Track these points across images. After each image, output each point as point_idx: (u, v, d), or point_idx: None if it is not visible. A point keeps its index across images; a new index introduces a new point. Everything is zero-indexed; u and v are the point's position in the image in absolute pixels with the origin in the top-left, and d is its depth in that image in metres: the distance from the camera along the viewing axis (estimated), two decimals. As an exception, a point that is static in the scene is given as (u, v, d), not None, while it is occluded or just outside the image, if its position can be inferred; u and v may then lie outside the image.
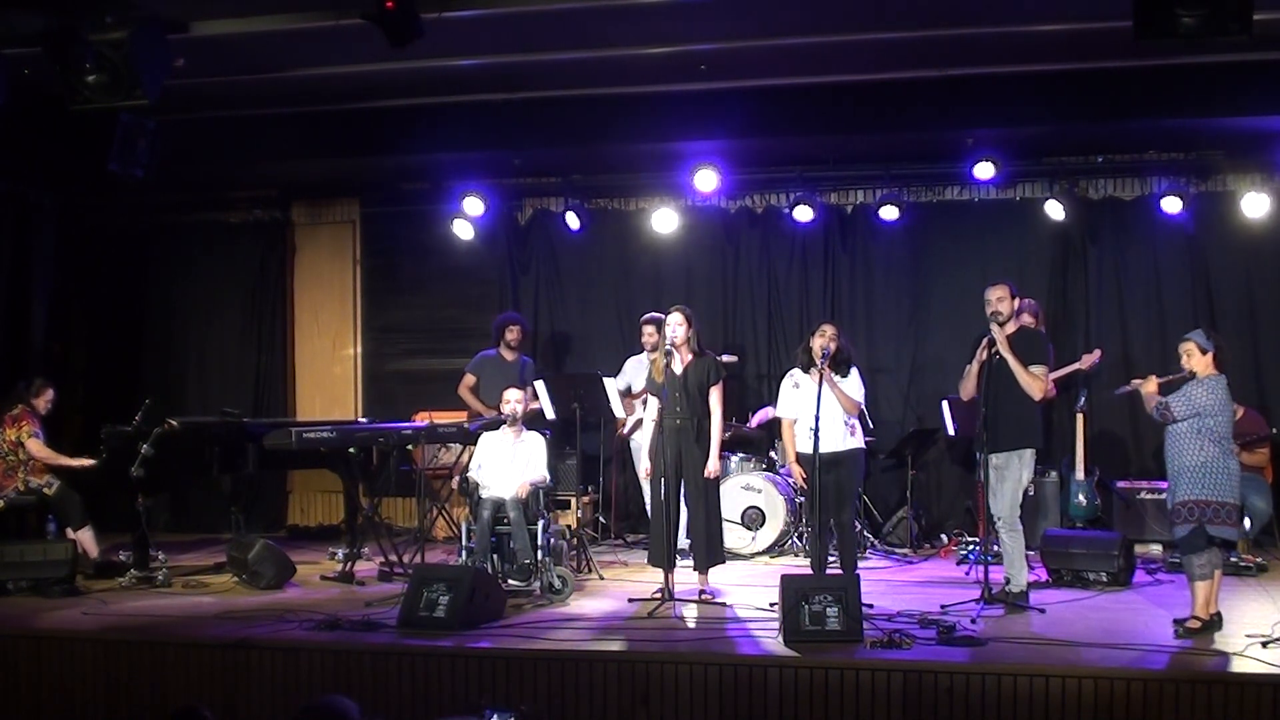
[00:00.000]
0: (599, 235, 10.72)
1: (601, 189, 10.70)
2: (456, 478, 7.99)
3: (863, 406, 7.36)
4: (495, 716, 3.98)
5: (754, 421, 9.74)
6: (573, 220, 10.37)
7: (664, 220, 10.30)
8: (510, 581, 7.35)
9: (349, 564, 8.22)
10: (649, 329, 8.91)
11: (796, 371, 7.46)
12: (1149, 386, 6.48)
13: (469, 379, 9.62)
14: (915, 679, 5.56)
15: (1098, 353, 9.13)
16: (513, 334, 9.65)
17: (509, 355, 9.63)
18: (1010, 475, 7.03)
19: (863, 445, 7.43)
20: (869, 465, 8.38)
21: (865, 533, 9.22)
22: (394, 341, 11.35)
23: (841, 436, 7.23)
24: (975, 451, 7.13)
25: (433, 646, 6.09)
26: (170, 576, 8.04)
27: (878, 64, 8.62)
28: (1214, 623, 6.25)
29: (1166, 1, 6.09)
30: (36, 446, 8.25)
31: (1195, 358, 6.37)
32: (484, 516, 7.39)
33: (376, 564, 8.33)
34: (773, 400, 10.04)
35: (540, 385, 8.83)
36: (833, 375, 7.26)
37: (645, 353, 8.90)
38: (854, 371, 7.40)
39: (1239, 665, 5.63)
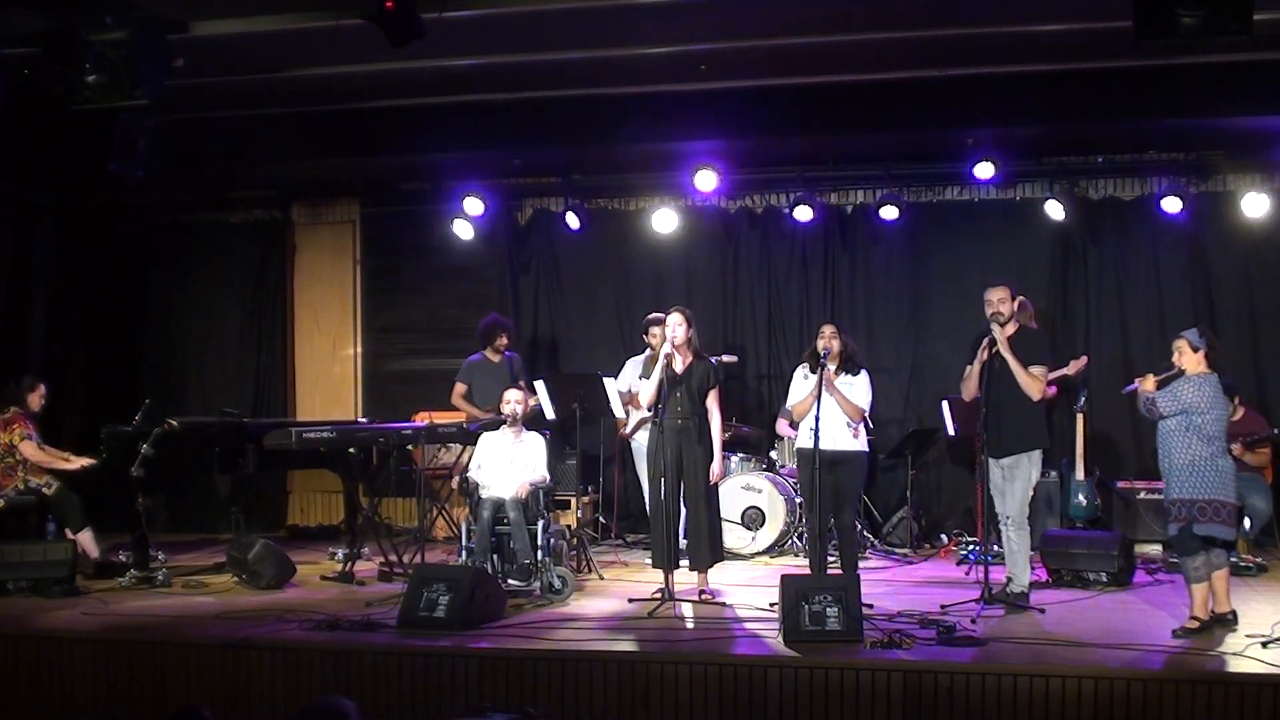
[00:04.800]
0: (599, 235, 10.72)
1: (601, 189, 10.70)
2: (456, 478, 7.99)
3: (863, 408, 7.33)
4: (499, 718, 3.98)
5: (782, 430, 9.58)
6: (573, 220, 10.37)
7: (664, 220, 10.30)
8: (510, 581, 7.35)
9: (349, 564, 8.22)
10: (656, 330, 8.90)
11: (805, 367, 7.45)
12: (1146, 384, 6.46)
13: (460, 388, 9.58)
14: (915, 679, 5.56)
15: (1084, 359, 9.05)
16: (503, 340, 9.61)
17: (495, 357, 9.61)
18: (1021, 475, 7.02)
19: (866, 448, 7.42)
20: (871, 466, 8.37)
21: (865, 533, 9.22)
22: (394, 341, 11.35)
23: (844, 437, 7.22)
24: (982, 455, 7.11)
25: (433, 646, 6.08)
26: (170, 576, 8.04)
27: (878, 64, 8.62)
28: (1227, 620, 6.29)
29: (1166, 1, 6.09)
30: (31, 450, 8.23)
31: (1186, 355, 6.36)
32: (484, 516, 7.39)
33: (376, 564, 8.33)
34: (776, 401, 10.13)
35: (540, 385, 8.82)
36: (836, 377, 7.25)
37: (647, 352, 8.89)
38: (864, 373, 7.36)
39: (1239, 665, 5.63)
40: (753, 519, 9.16)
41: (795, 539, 9.23)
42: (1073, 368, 8.89)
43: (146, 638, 6.44)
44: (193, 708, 3.55)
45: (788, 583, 6.32)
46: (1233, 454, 6.78)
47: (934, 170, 10.00)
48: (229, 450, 8.51)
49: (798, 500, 9.09)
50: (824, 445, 7.04)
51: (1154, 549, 8.80)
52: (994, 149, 9.36)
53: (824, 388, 7.12)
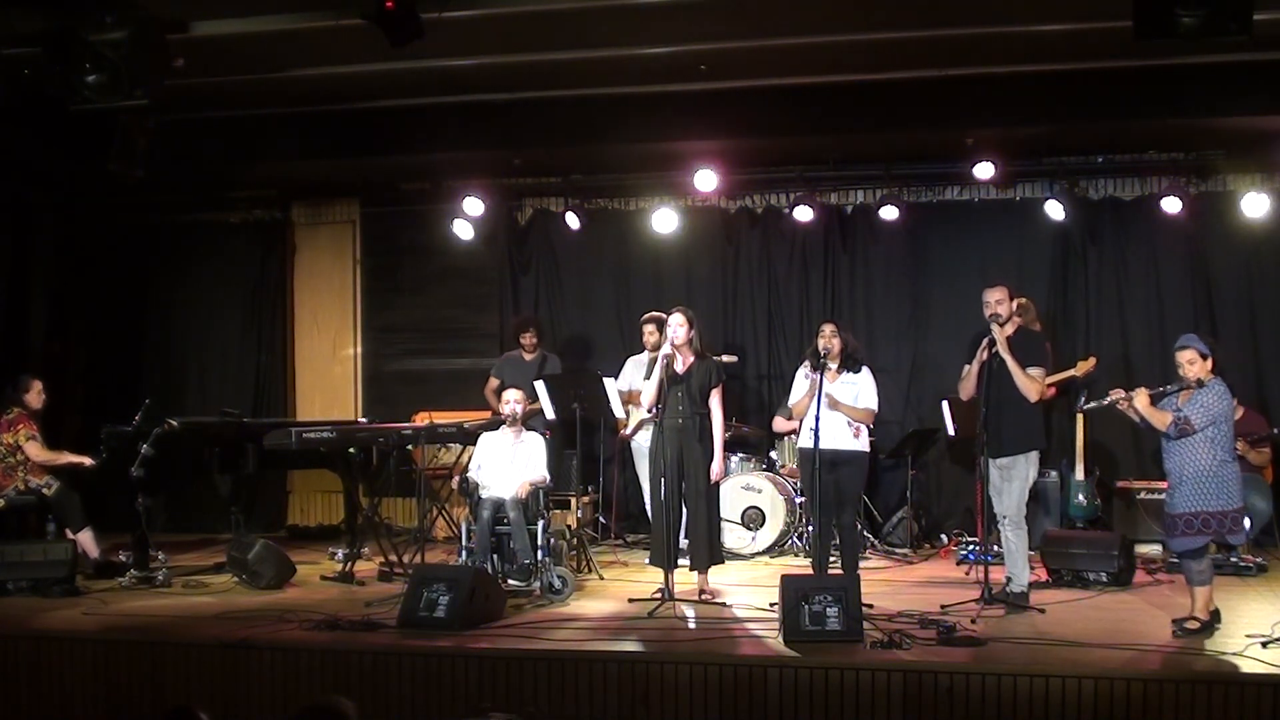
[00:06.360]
0: (599, 235, 10.72)
1: (601, 189, 10.70)
2: (456, 478, 7.99)
3: (873, 409, 7.35)
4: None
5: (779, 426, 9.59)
6: (573, 220, 10.37)
7: (664, 220, 10.30)
8: (510, 581, 7.36)
9: (349, 564, 8.22)
10: (649, 328, 8.93)
11: (807, 365, 7.45)
12: (1141, 401, 6.27)
13: (493, 382, 9.64)
14: (915, 679, 5.55)
15: (1093, 360, 9.02)
16: (527, 338, 9.68)
17: (528, 355, 9.66)
18: (1017, 475, 7.01)
19: (867, 448, 7.42)
20: (871, 466, 8.37)
21: (865, 533, 9.21)
22: (394, 341, 11.35)
23: (845, 437, 7.22)
24: (978, 454, 7.09)
25: (433, 646, 6.08)
26: (170, 576, 8.04)
27: (878, 64, 8.62)
28: (1213, 621, 6.26)
29: (1166, 1, 6.09)
30: (35, 450, 8.23)
31: (1199, 365, 6.18)
32: (484, 516, 7.39)
33: (376, 564, 8.33)
34: (776, 401, 10.12)
35: (540, 385, 8.82)
36: (838, 376, 7.25)
37: (646, 352, 8.90)
38: (865, 371, 7.37)
39: (1239, 665, 5.63)
40: (753, 519, 9.16)
41: (795, 539, 9.23)
42: (1080, 369, 8.86)
43: (146, 638, 6.44)
44: (185, 708, 3.52)
45: (788, 583, 6.32)
46: (1237, 451, 6.76)
47: (934, 170, 10.01)
48: (229, 450, 8.51)
49: (798, 500, 9.09)
50: (825, 445, 7.04)
51: (1154, 549, 8.79)
52: (994, 149, 9.37)
53: (830, 405, 7.11)
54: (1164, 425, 6.21)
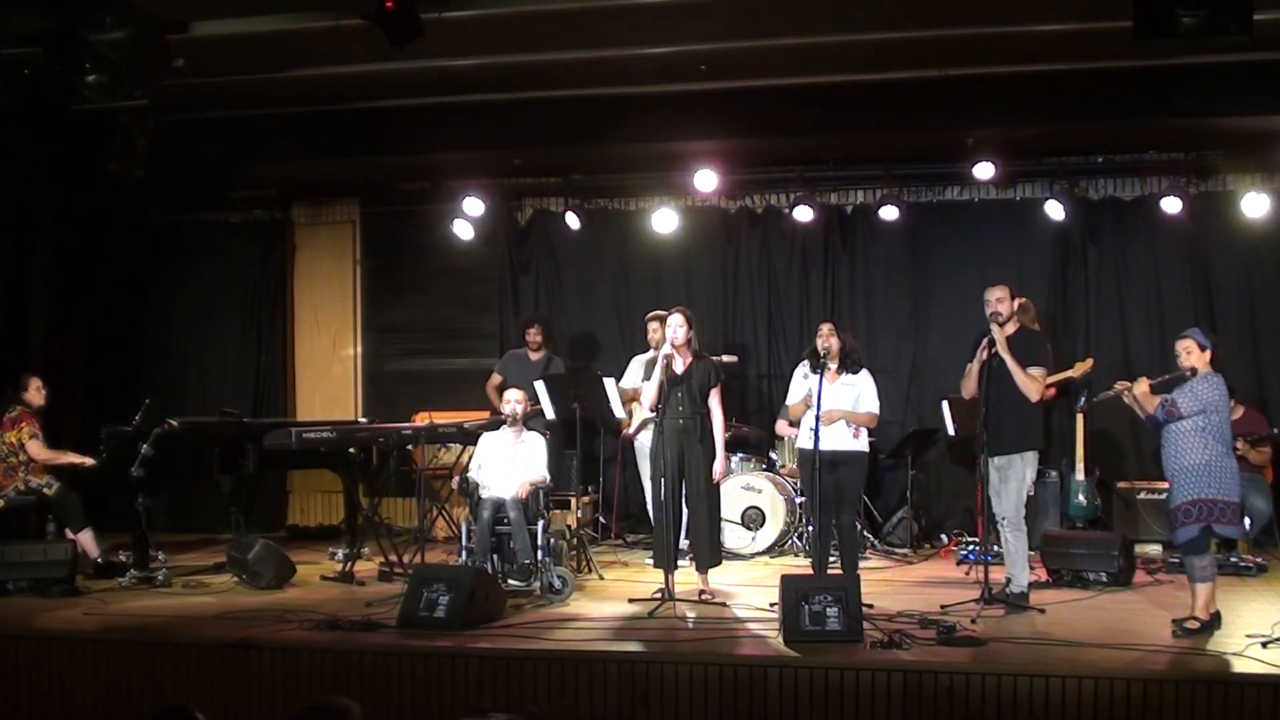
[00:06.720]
0: (599, 235, 10.73)
1: (601, 189, 10.70)
2: (456, 478, 8.00)
3: (876, 412, 7.37)
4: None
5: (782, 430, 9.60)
6: (573, 220, 10.38)
7: (664, 220, 10.30)
8: (510, 581, 7.35)
9: (349, 564, 8.22)
10: (654, 325, 8.94)
11: (805, 364, 7.45)
12: (1140, 388, 6.36)
13: (495, 378, 9.66)
14: (915, 679, 5.55)
15: (1090, 361, 9.00)
16: (532, 334, 9.69)
17: (533, 355, 9.67)
18: (1014, 475, 7.01)
19: (866, 448, 7.42)
20: (871, 466, 8.37)
21: (865, 533, 9.21)
22: (394, 341, 11.36)
23: (845, 437, 7.22)
24: (976, 453, 7.10)
25: (433, 646, 6.08)
26: (170, 576, 8.04)
27: (878, 64, 8.62)
28: (1213, 622, 6.25)
29: (1166, 1, 6.09)
30: (37, 448, 8.24)
31: (1195, 354, 6.28)
32: (484, 516, 7.39)
33: (376, 564, 8.33)
34: (776, 401, 10.12)
35: (540, 385, 8.82)
36: (838, 376, 7.26)
37: (651, 350, 8.91)
38: (865, 373, 7.37)
39: (1239, 665, 5.62)
40: (753, 519, 9.16)
41: (795, 539, 9.23)
42: (1078, 370, 8.83)
43: (146, 638, 6.44)
44: (182, 708, 3.50)
45: (788, 583, 6.32)
46: (1238, 451, 6.76)
47: (934, 170, 10.01)
48: (229, 450, 8.51)
49: (798, 500, 9.09)
50: (825, 445, 7.04)
51: (1154, 549, 8.81)
52: (994, 149, 9.37)
53: (829, 421, 7.11)
54: (1150, 409, 6.29)
